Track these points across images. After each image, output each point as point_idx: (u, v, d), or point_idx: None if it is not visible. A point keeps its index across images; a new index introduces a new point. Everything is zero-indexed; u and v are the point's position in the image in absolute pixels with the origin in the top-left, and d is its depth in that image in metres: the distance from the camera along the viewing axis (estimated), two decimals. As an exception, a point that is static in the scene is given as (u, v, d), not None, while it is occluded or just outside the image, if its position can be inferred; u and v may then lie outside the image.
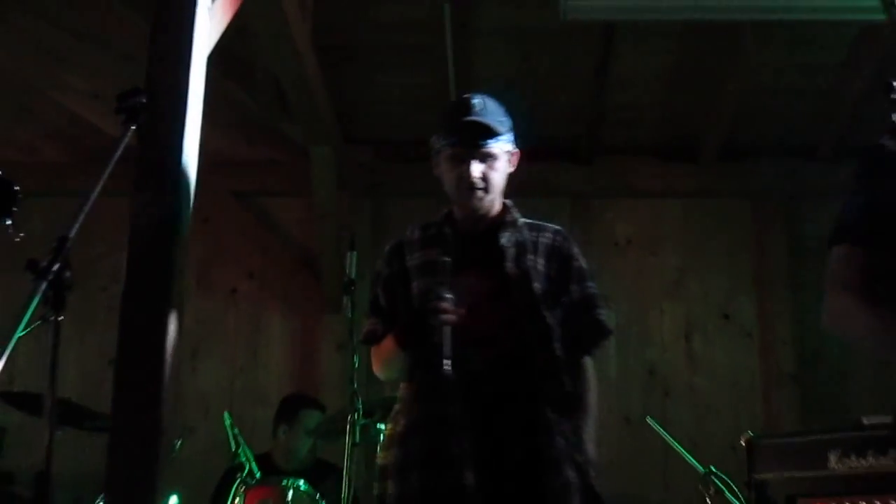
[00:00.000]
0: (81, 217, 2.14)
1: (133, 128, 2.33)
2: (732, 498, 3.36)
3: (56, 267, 2.03)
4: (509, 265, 2.70)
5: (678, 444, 3.72)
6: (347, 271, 4.18)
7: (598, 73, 5.43)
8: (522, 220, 2.84)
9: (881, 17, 1.68)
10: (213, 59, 3.00)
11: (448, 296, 2.56)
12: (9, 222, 2.19)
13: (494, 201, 2.79)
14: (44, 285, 1.98)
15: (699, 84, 5.56)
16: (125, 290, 2.65)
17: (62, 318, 2.14)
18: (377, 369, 2.89)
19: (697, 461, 3.90)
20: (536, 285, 2.68)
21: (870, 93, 5.34)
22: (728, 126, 5.71)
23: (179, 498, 3.92)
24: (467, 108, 2.74)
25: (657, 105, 5.71)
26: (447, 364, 2.49)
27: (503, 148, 2.76)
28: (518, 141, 2.82)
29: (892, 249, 2.00)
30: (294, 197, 5.88)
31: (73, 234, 2.11)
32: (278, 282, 5.93)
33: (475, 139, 2.71)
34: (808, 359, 5.69)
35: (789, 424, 5.37)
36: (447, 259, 2.73)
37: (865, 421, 3.25)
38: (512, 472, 2.54)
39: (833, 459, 3.18)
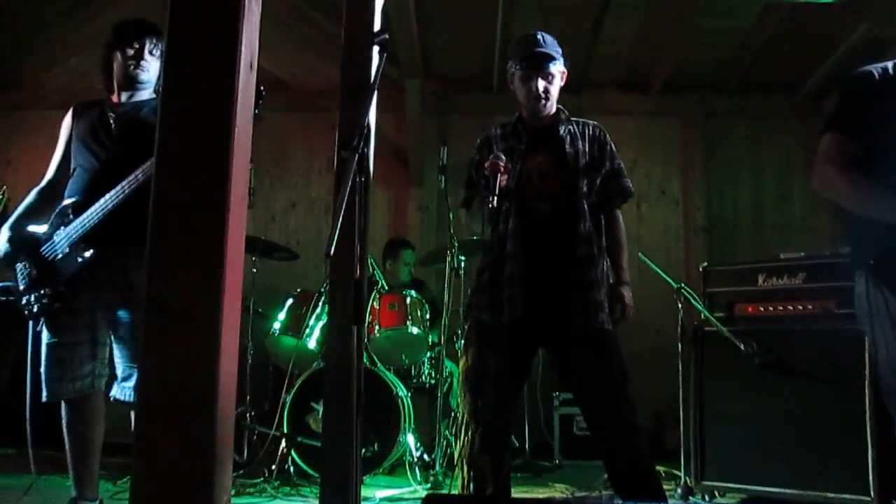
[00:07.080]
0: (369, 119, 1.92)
1: (384, 54, 2.05)
2: (696, 304, 3.28)
3: (361, 144, 1.84)
4: (567, 148, 2.54)
5: (657, 267, 3.50)
6: (441, 158, 3.94)
7: (591, 34, 5.21)
8: (571, 118, 2.64)
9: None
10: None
11: (501, 156, 2.43)
12: (256, 111, 2.01)
13: (553, 106, 2.61)
14: (356, 156, 1.77)
15: (652, 42, 5.30)
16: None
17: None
18: (469, 223, 2.75)
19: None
20: (583, 160, 2.53)
21: (763, 52, 5.15)
22: (668, 70, 5.49)
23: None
24: (534, 41, 2.55)
25: (625, 55, 5.48)
26: (494, 200, 2.35)
27: (559, 69, 2.57)
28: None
29: (860, 140, 1.90)
30: (392, 113, 5.63)
31: (368, 122, 1.87)
32: (380, 167, 5.67)
33: (540, 63, 2.53)
34: (713, 218, 5.64)
35: (699, 260, 5.28)
36: (522, 146, 2.56)
37: (781, 256, 3.25)
38: (551, 288, 2.45)
39: (760, 279, 3.20)
